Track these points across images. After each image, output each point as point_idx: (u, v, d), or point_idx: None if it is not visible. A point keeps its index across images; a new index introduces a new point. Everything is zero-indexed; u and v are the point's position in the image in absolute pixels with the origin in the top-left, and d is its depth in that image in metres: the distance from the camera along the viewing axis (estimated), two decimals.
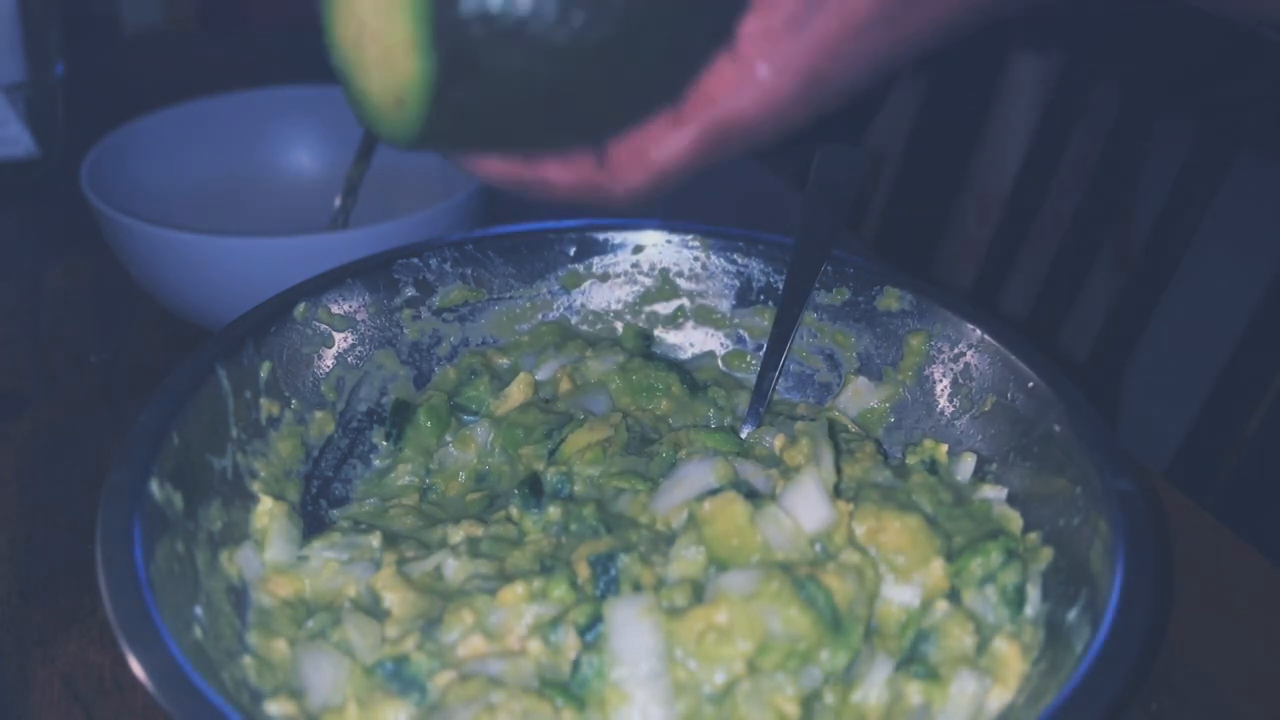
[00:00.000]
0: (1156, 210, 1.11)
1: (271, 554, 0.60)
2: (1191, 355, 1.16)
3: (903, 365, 0.71)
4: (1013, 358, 0.66)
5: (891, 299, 0.72)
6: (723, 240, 0.76)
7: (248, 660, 0.54)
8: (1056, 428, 0.61)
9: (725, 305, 0.77)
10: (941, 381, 0.70)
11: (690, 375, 0.74)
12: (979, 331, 0.68)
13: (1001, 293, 1.30)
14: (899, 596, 0.56)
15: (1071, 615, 0.54)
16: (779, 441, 0.64)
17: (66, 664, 0.64)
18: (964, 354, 0.68)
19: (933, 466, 0.65)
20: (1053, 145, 1.24)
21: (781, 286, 0.74)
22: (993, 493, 0.64)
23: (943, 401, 0.69)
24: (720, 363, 0.77)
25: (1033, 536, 0.60)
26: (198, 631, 0.52)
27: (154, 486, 0.55)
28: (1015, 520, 0.62)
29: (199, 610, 0.54)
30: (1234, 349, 1.05)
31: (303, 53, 0.97)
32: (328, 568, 0.60)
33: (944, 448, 0.66)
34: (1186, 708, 0.63)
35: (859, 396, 0.72)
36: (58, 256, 0.88)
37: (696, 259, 0.76)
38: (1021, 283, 1.37)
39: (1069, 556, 0.57)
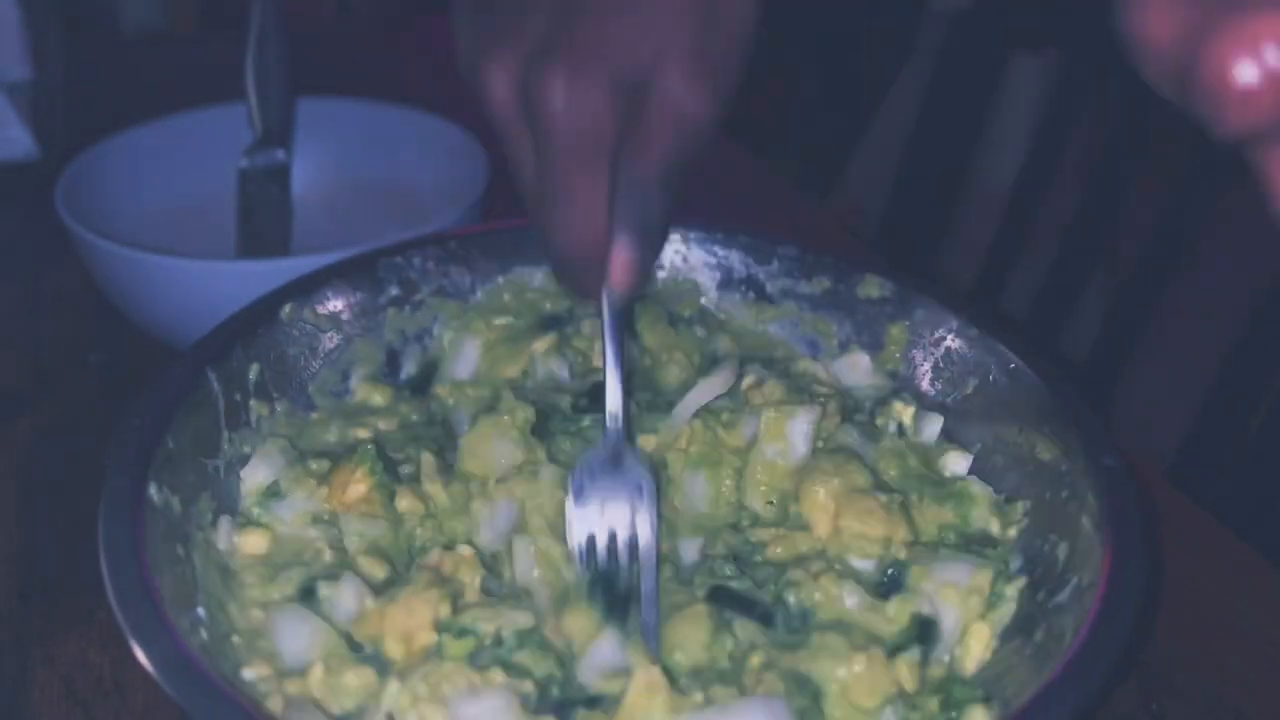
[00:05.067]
0: (1157, 210, 1.11)
1: (254, 478, 0.61)
2: (1191, 355, 1.16)
3: (884, 355, 0.72)
4: (993, 341, 0.66)
5: (871, 287, 0.72)
6: (702, 233, 0.76)
7: (236, 640, 0.54)
8: (1038, 406, 0.62)
9: (710, 297, 0.77)
10: (923, 365, 0.70)
11: (670, 311, 0.74)
12: (957, 320, 0.69)
13: (1002, 293, 1.30)
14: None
15: (1060, 596, 0.54)
16: (747, 381, 0.67)
17: (66, 664, 0.64)
18: (945, 339, 0.69)
19: (901, 430, 0.67)
20: (1053, 145, 1.24)
21: (762, 278, 0.75)
22: (958, 461, 0.65)
23: (924, 384, 0.70)
24: None
25: (1017, 506, 0.61)
26: (203, 634, 0.52)
27: (152, 490, 0.55)
28: (985, 495, 0.63)
29: (200, 612, 0.54)
30: (1234, 349, 1.04)
31: (300, 55, 0.97)
32: (297, 519, 0.61)
33: (911, 410, 0.67)
34: (1186, 708, 0.63)
35: (855, 370, 0.72)
36: (58, 256, 0.88)
37: (677, 252, 0.76)
38: (1021, 283, 1.37)
39: (1055, 534, 0.58)
